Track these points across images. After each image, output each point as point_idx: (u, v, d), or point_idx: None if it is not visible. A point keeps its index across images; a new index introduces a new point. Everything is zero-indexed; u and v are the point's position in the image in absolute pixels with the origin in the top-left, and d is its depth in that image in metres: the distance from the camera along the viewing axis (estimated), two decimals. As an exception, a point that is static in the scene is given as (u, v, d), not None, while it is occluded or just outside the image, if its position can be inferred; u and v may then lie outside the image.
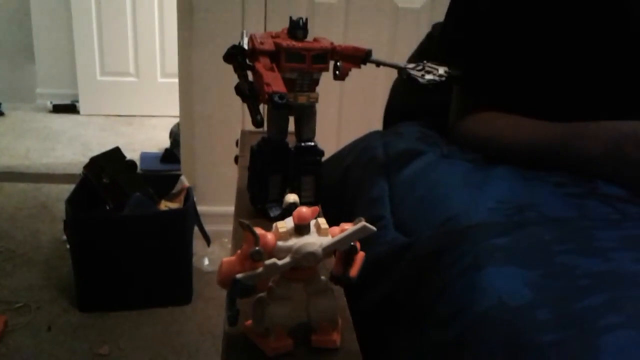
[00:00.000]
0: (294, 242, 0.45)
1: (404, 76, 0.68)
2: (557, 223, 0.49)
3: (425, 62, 0.69)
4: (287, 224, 0.46)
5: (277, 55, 0.62)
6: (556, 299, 0.39)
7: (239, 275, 0.45)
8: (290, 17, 0.64)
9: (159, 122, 3.49)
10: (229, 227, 2.34)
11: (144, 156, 2.85)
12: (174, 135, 2.94)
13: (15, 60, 3.72)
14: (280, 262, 0.44)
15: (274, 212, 0.70)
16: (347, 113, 2.16)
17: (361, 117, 2.12)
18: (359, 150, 0.81)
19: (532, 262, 0.43)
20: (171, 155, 2.85)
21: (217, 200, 2.26)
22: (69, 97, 3.71)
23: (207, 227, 2.02)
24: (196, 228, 1.97)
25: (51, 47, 3.69)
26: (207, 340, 1.75)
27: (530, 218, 0.50)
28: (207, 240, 2.06)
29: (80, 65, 3.55)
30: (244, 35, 0.64)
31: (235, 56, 0.61)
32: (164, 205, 2.00)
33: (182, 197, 2.04)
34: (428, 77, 0.66)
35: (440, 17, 0.85)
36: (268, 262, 0.44)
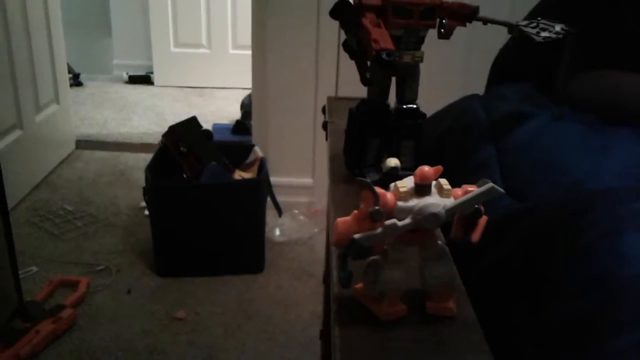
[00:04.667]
0: (415, 202, 0.43)
1: (516, 34, 0.63)
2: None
3: (539, 19, 0.64)
4: (407, 183, 0.44)
5: (384, 10, 0.59)
6: None
7: (356, 235, 0.43)
8: (398, -29, 0.61)
9: (230, 93, 3.52)
10: (299, 199, 2.34)
11: (216, 127, 2.88)
12: (245, 106, 2.96)
13: (93, 33, 3.84)
14: (400, 223, 0.42)
15: (372, 177, 0.67)
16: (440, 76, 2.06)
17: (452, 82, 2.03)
18: (456, 114, 0.77)
19: None
20: (242, 126, 2.87)
21: (289, 171, 2.27)
22: (144, 69, 3.81)
23: (279, 198, 2.03)
24: (268, 199, 1.98)
25: (127, 20, 3.78)
26: (279, 309, 1.77)
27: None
28: (279, 211, 2.07)
29: (154, 37, 3.63)
30: (349, -11, 0.61)
31: (342, 11, 0.59)
32: (238, 174, 2.02)
33: (255, 167, 2.05)
34: (544, 34, 0.62)
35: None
36: (388, 222, 0.42)
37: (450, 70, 2.01)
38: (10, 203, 1.57)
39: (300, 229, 2.17)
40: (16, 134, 2.23)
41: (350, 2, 0.59)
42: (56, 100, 2.60)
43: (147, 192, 1.84)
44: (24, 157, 2.29)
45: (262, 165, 2.02)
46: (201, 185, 1.84)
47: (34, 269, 1.86)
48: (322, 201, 2.23)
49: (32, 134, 2.35)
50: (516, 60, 0.83)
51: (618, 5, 0.66)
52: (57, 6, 2.57)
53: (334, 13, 0.60)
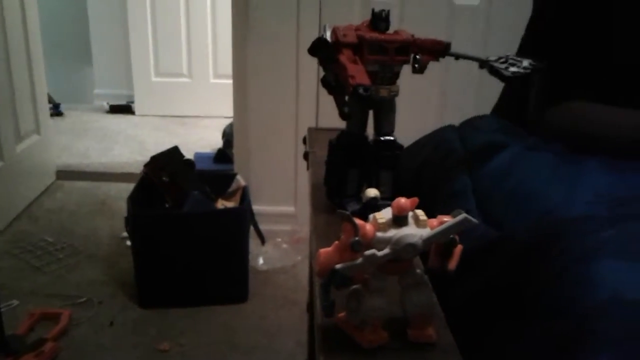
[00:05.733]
0: (393, 233, 0.45)
1: (487, 69, 0.66)
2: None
3: (508, 54, 0.67)
4: (385, 214, 0.46)
5: (360, 47, 0.62)
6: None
7: (338, 266, 0.44)
8: (373, 10, 0.64)
9: (211, 122, 3.54)
10: (282, 227, 2.34)
11: (198, 156, 2.89)
12: (227, 135, 2.97)
13: (73, 62, 3.85)
14: (379, 253, 0.44)
15: (352, 207, 0.69)
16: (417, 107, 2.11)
17: (426, 113, 2.07)
18: (434, 145, 0.80)
19: None
20: (224, 155, 2.88)
21: (271, 200, 2.28)
22: (125, 98, 3.81)
23: (261, 227, 2.04)
24: (251, 227, 1.99)
25: (108, 50, 3.79)
26: (264, 339, 1.76)
27: (634, 211, 0.48)
28: (262, 239, 2.07)
29: (135, 66, 3.64)
30: (327, 27, 0.64)
31: (320, 48, 0.61)
32: (221, 203, 2.02)
33: (238, 196, 2.06)
34: (512, 69, 0.65)
35: (498, 14, 0.83)
36: (368, 252, 0.44)
37: (426, 102, 2.06)
38: (-10, 235, 1.56)
39: (283, 257, 2.17)
40: (-4, 165, 2.22)
41: (327, 40, 0.62)
42: (37, 130, 2.60)
43: (129, 222, 1.84)
44: (4, 187, 2.27)
45: (244, 194, 2.03)
46: (184, 215, 1.84)
47: (15, 302, 1.84)
48: (304, 229, 2.24)
49: (13, 165, 2.34)
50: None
51: (604, 40, 0.69)
52: (37, 36, 2.58)
53: (312, 50, 0.62)
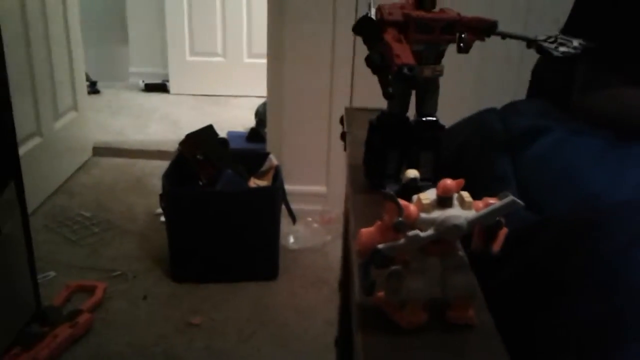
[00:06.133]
0: (438, 214, 0.44)
1: (535, 49, 0.64)
2: None
3: (557, 34, 0.65)
4: (430, 195, 0.45)
5: (405, 26, 0.61)
6: None
7: (380, 246, 0.44)
8: (419, -13, 0.62)
9: (244, 102, 3.55)
10: (313, 207, 2.35)
11: (231, 135, 2.90)
12: (260, 114, 2.99)
13: (109, 41, 3.89)
14: (423, 234, 0.44)
15: (392, 188, 0.68)
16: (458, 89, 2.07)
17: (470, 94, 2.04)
18: (474, 127, 0.79)
19: None
20: (256, 134, 2.90)
21: (303, 179, 2.28)
22: (160, 77, 3.85)
23: (293, 206, 2.05)
24: (283, 206, 2.00)
25: (143, 28, 3.83)
26: (293, 316, 1.78)
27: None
28: (293, 218, 2.08)
29: (170, 45, 3.67)
30: (371, 5, 0.63)
31: (365, 27, 0.60)
32: (253, 182, 2.04)
33: (270, 175, 2.07)
34: (562, 49, 0.63)
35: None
36: (411, 233, 0.43)
37: (464, 84, 2.02)
38: (29, 209, 1.60)
39: (314, 237, 2.18)
40: (35, 141, 2.27)
41: (372, 18, 0.61)
42: (74, 107, 2.65)
43: (164, 198, 1.87)
44: (43, 163, 2.33)
45: (277, 173, 2.04)
46: (217, 193, 1.86)
47: (52, 274, 1.89)
48: (335, 209, 2.24)
49: (51, 141, 2.39)
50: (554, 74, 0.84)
51: None
52: (76, 16, 2.61)
53: (357, 29, 0.61)
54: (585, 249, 0.47)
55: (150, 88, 3.82)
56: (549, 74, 0.83)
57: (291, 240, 2.15)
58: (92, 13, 3.55)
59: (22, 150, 2.15)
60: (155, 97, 3.74)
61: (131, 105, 3.60)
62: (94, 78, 3.69)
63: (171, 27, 3.64)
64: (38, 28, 2.25)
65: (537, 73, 0.91)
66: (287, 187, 2.03)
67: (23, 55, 2.15)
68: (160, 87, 3.82)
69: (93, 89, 3.65)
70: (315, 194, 2.31)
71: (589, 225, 0.48)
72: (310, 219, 2.24)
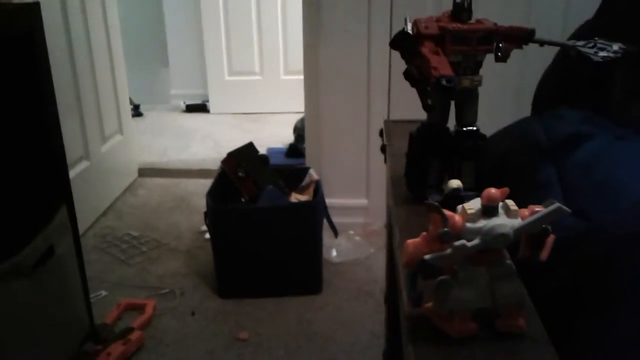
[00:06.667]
0: (483, 223, 0.45)
1: (574, 54, 0.64)
2: None
3: (596, 38, 0.65)
4: (474, 205, 0.46)
5: (442, 39, 0.62)
6: None
7: (427, 256, 0.45)
8: (454, 0, 0.63)
9: (282, 118, 3.60)
10: (355, 220, 2.35)
11: (270, 151, 2.95)
12: (298, 130, 3.02)
13: (151, 65, 4.02)
14: (469, 244, 0.44)
15: (434, 198, 0.69)
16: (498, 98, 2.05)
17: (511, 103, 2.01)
18: (516, 136, 0.78)
19: None
20: (295, 150, 2.93)
21: (343, 193, 2.30)
22: (200, 97, 3.94)
23: (334, 219, 2.06)
24: (324, 220, 2.01)
25: (183, 51, 3.94)
26: (339, 330, 1.78)
27: None
28: (335, 232, 2.09)
29: (209, 66, 3.77)
30: (407, 20, 0.64)
31: (402, 41, 0.61)
32: (295, 197, 2.06)
33: (311, 190, 2.09)
34: (602, 54, 0.62)
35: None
36: (457, 243, 0.44)
37: (504, 93, 2.00)
38: (79, 230, 1.66)
39: (357, 250, 2.19)
40: (84, 164, 2.35)
41: (409, 33, 0.62)
42: (120, 131, 2.73)
43: (209, 216, 1.90)
44: (91, 186, 2.41)
45: (317, 187, 2.05)
46: (259, 209, 1.89)
47: (103, 293, 1.95)
48: (377, 222, 2.24)
49: (98, 164, 2.47)
50: (559, 86, 0.83)
51: None
52: (118, 41, 2.71)
53: (394, 43, 0.62)
54: (633, 262, 0.46)
55: (191, 109, 3.92)
56: (565, 86, 0.82)
57: (334, 253, 2.16)
58: (133, 39, 3.67)
59: (71, 174, 2.23)
60: (196, 118, 3.83)
61: (173, 126, 3.69)
62: (137, 101, 3.80)
63: (209, 49, 3.73)
64: (83, 54, 2.34)
65: (544, 90, 0.90)
66: (328, 200, 2.05)
67: (70, 84, 2.24)
68: (201, 108, 3.91)
69: (136, 112, 3.76)
70: (356, 207, 2.32)
71: (636, 234, 0.48)
72: (352, 232, 2.25)
